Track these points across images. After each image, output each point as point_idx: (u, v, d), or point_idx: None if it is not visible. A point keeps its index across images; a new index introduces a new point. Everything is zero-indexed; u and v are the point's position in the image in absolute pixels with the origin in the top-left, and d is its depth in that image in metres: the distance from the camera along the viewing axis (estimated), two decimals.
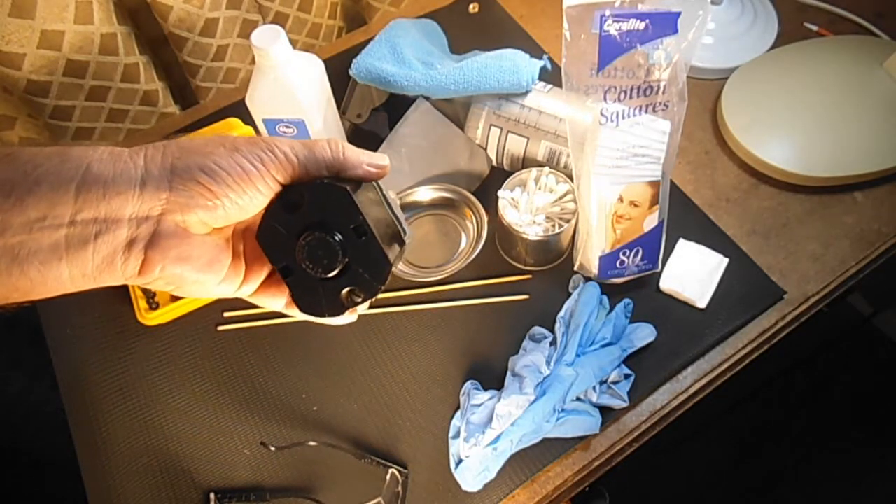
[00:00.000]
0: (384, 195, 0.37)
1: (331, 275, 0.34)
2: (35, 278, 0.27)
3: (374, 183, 0.37)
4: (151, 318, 0.64)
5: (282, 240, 0.34)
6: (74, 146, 0.29)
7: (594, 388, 0.58)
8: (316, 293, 0.35)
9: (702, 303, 0.62)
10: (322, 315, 0.36)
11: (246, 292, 0.36)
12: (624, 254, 0.61)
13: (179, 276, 0.31)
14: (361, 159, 0.35)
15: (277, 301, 0.37)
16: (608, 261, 0.62)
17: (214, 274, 0.33)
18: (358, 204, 0.33)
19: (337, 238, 0.33)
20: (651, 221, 0.61)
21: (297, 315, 0.37)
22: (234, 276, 0.35)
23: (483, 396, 0.58)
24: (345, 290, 0.35)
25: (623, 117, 0.57)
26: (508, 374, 0.59)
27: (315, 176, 0.33)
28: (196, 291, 0.33)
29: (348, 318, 0.37)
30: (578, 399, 0.58)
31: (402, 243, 0.37)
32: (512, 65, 0.66)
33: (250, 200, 0.31)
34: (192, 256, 0.31)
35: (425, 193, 0.70)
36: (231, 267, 0.34)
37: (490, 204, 0.67)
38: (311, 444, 0.57)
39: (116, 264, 0.29)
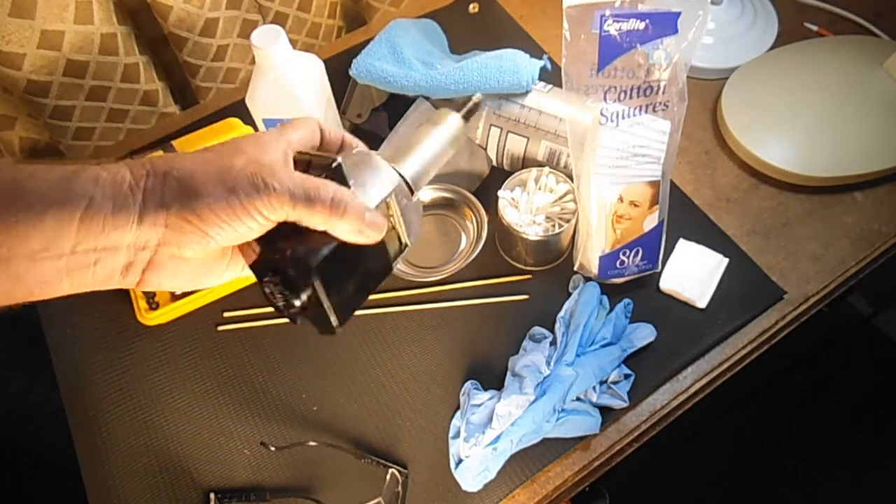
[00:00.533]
0: (396, 211, 0.38)
1: (293, 310, 0.35)
2: (37, 294, 0.30)
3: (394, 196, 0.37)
4: (151, 318, 0.64)
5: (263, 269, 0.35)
6: (80, 172, 0.30)
7: (594, 388, 0.58)
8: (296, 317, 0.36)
9: (702, 303, 0.62)
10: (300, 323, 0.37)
11: (230, 276, 0.38)
12: (624, 254, 0.61)
13: (173, 286, 0.34)
14: (356, 228, 0.34)
15: None
16: (608, 261, 0.62)
17: (212, 276, 0.35)
18: (315, 286, 0.33)
19: (290, 292, 0.34)
20: (651, 221, 0.61)
21: None
22: (236, 262, 0.37)
23: (483, 396, 0.58)
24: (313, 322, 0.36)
25: (623, 117, 0.57)
26: (508, 374, 0.59)
27: (305, 223, 0.34)
28: (197, 287, 0.36)
29: None
30: (578, 399, 0.58)
31: (365, 286, 0.38)
32: (512, 65, 0.66)
33: (243, 235, 0.33)
34: (187, 272, 0.34)
35: (425, 193, 0.70)
36: (234, 256, 0.36)
37: (490, 204, 0.67)
38: (311, 444, 0.57)
39: (114, 282, 0.32)
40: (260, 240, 0.34)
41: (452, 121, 0.44)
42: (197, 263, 0.34)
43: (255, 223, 0.32)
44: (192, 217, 0.31)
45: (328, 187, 0.33)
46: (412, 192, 0.40)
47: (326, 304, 0.34)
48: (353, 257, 0.36)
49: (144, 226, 0.30)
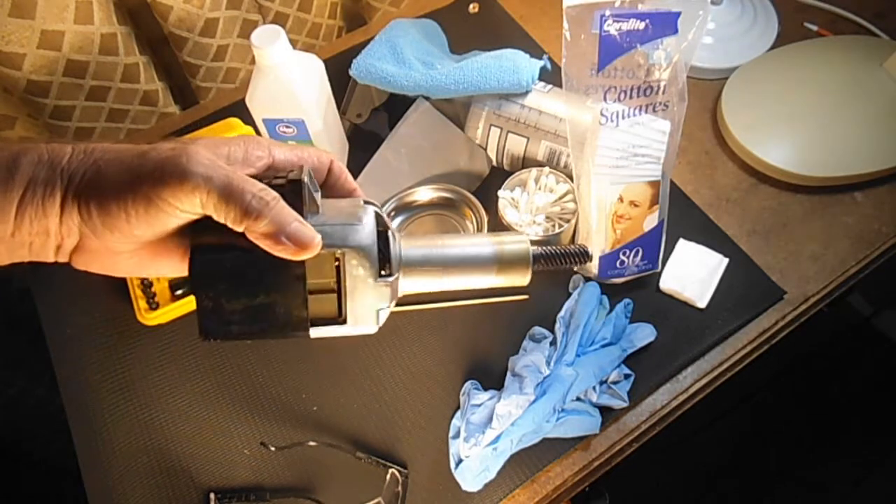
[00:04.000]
0: (345, 277, 0.32)
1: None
2: None
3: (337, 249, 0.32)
4: (151, 318, 0.64)
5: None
6: (26, 153, 0.29)
7: (594, 388, 0.58)
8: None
9: (702, 303, 0.62)
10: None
11: None
12: (624, 254, 0.61)
13: (118, 270, 0.33)
14: (278, 233, 0.30)
15: None
16: (608, 261, 0.62)
17: (156, 268, 0.33)
18: (193, 271, 0.31)
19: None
20: (651, 221, 0.61)
21: None
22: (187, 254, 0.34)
23: (483, 396, 0.58)
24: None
25: (623, 117, 0.57)
26: (508, 374, 0.59)
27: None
28: (148, 275, 0.36)
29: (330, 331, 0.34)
30: (578, 399, 0.58)
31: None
32: (512, 65, 0.66)
33: (161, 225, 0.30)
34: (118, 266, 0.32)
35: (425, 193, 0.70)
36: (185, 247, 0.33)
37: (490, 204, 0.67)
38: (311, 444, 0.57)
39: (49, 257, 0.31)
40: (191, 226, 0.31)
41: (514, 245, 0.37)
42: (134, 254, 0.32)
43: (165, 214, 0.29)
44: (98, 211, 0.29)
45: (255, 186, 0.30)
46: (388, 274, 0.33)
47: (198, 306, 0.31)
48: (262, 281, 0.31)
49: (65, 214, 0.29)
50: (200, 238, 0.31)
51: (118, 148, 0.30)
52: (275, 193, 0.30)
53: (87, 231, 0.30)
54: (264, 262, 0.31)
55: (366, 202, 0.35)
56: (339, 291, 0.33)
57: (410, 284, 0.35)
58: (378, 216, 0.34)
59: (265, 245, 0.30)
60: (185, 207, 0.29)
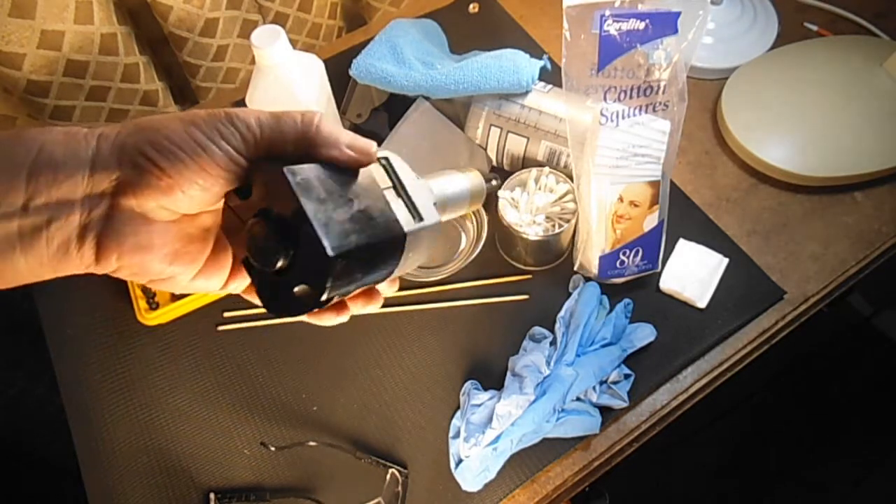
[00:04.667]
0: (396, 179, 0.32)
1: (275, 269, 0.28)
2: None
3: (382, 163, 0.32)
4: (151, 318, 0.64)
5: (239, 229, 0.30)
6: (29, 128, 0.27)
7: (594, 388, 0.58)
8: (276, 290, 0.30)
9: (702, 303, 0.62)
10: (286, 314, 0.30)
11: (236, 288, 0.34)
12: (624, 254, 0.61)
13: (141, 266, 0.29)
14: (340, 139, 0.30)
15: None
16: (608, 261, 0.62)
17: (185, 265, 0.30)
18: (293, 184, 0.27)
19: (275, 227, 0.28)
20: (651, 221, 0.61)
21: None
22: (216, 270, 0.32)
23: (483, 396, 0.58)
24: (298, 288, 0.29)
25: (623, 117, 0.57)
26: (508, 374, 0.59)
27: (279, 152, 0.29)
28: (171, 286, 0.31)
29: (338, 318, 0.33)
30: (578, 399, 0.58)
31: (391, 232, 0.30)
32: (512, 65, 0.66)
33: (210, 179, 0.28)
34: (153, 245, 0.28)
35: None
36: (211, 261, 0.31)
37: (490, 204, 0.67)
38: (311, 444, 0.57)
39: (72, 253, 0.27)
40: (234, 191, 0.29)
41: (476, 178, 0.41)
42: (164, 237, 0.29)
43: (220, 156, 0.28)
44: (149, 151, 0.27)
45: (296, 110, 0.30)
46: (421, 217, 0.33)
47: (312, 222, 0.27)
48: (350, 189, 0.30)
49: (97, 171, 0.26)
50: (267, 166, 0.29)
51: (147, 118, 0.29)
52: (312, 112, 0.30)
53: (125, 187, 0.27)
54: (338, 173, 0.30)
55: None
56: (402, 194, 0.32)
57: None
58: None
59: (333, 154, 0.30)
60: (236, 143, 0.28)
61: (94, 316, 0.68)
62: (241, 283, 0.34)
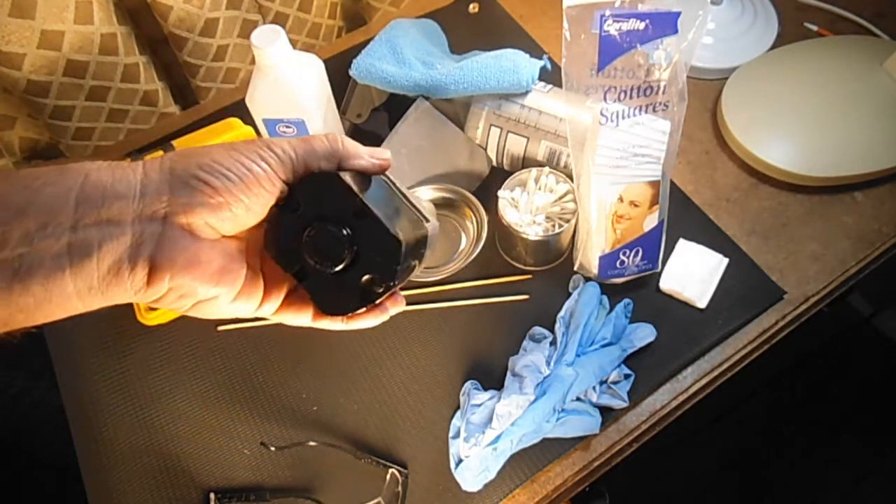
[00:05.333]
0: (397, 188, 0.36)
1: (341, 266, 0.32)
2: (38, 294, 0.26)
3: (382, 177, 0.36)
4: (151, 318, 0.64)
5: (290, 243, 0.32)
6: (72, 163, 0.28)
7: (594, 388, 0.58)
8: (335, 290, 0.33)
9: (702, 303, 0.62)
10: (346, 311, 0.34)
11: (268, 311, 0.35)
12: (624, 254, 0.61)
13: (190, 287, 0.30)
14: (361, 150, 0.34)
15: (304, 316, 0.36)
16: (608, 261, 0.62)
17: (228, 286, 0.32)
18: (351, 185, 0.31)
19: (338, 226, 0.31)
20: (651, 221, 0.61)
21: (328, 326, 0.36)
22: (251, 292, 0.34)
23: (483, 396, 0.58)
24: (364, 279, 0.33)
25: (623, 117, 0.57)
26: (508, 374, 0.59)
27: (313, 169, 0.33)
28: (212, 309, 0.32)
29: (381, 317, 0.36)
30: (578, 399, 0.58)
31: (420, 228, 0.35)
32: (512, 65, 0.66)
33: (254, 198, 0.30)
34: (201, 262, 0.30)
35: (425, 193, 0.70)
36: (248, 283, 0.33)
37: (490, 204, 0.67)
38: (311, 444, 0.57)
39: (123, 275, 0.28)
40: (280, 207, 0.32)
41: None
42: (211, 254, 0.30)
43: (264, 176, 0.30)
44: (198, 172, 0.29)
45: (319, 134, 0.33)
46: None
47: (413, 206, 0.34)
48: (391, 196, 0.35)
49: (148, 194, 0.28)
50: (313, 178, 0.33)
51: (185, 147, 0.33)
52: (334, 133, 0.34)
53: (176, 207, 0.28)
54: (368, 190, 0.33)
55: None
56: (409, 202, 0.36)
57: (423, 189, 0.43)
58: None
59: (360, 164, 0.34)
60: (281, 174, 0.31)
61: (94, 316, 0.67)
62: (273, 305, 0.36)
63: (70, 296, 0.27)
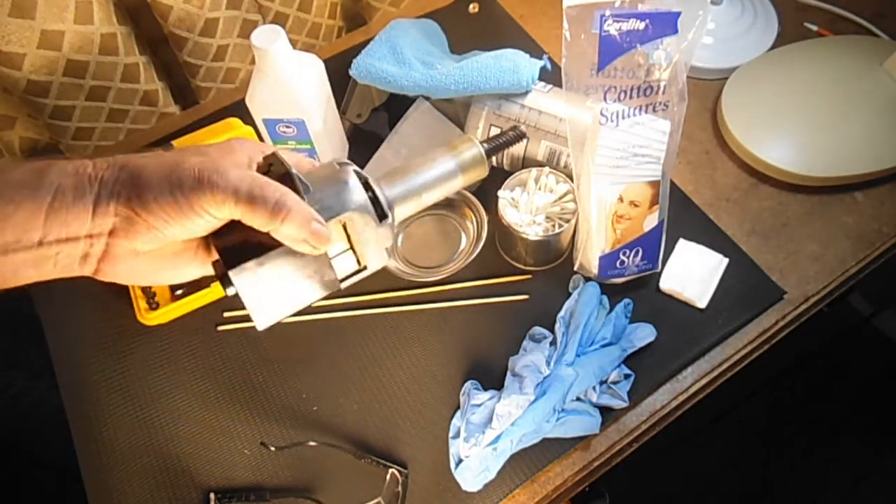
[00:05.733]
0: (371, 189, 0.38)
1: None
2: (7, 281, 0.32)
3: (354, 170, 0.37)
4: (151, 318, 0.64)
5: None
6: (52, 165, 0.32)
7: (594, 388, 0.58)
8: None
9: (702, 303, 0.62)
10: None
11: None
12: (624, 254, 0.61)
13: (133, 281, 0.35)
14: (300, 236, 0.34)
15: None
16: (608, 261, 0.62)
17: (176, 271, 0.36)
18: (236, 286, 0.35)
19: (223, 285, 0.35)
20: (651, 221, 0.61)
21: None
22: (202, 258, 0.37)
23: (483, 396, 0.58)
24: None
25: (623, 117, 0.57)
26: (508, 374, 0.59)
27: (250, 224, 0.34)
28: (163, 282, 0.37)
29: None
30: (578, 399, 0.58)
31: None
32: (512, 65, 0.66)
33: (191, 230, 0.33)
34: (142, 270, 0.35)
35: None
36: (199, 252, 0.37)
37: (490, 204, 0.67)
38: (311, 444, 0.57)
39: (75, 269, 0.33)
40: (215, 233, 0.35)
41: (469, 151, 0.42)
42: (156, 258, 0.35)
43: (200, 219, 0.33)
44: (139, 209, 0.32)
45: (274, 190, 0.33)
46: (384, 217, 0.38)
47: (248, 306, 0.36)
48: (294, 266, 0.36)
49: (97, 216, 0.31)
50: (232, 240, 0.35)
51: (139, 157, 0.33)
52: (294, 196, 0.34)
53: (119, 231, 0.32)
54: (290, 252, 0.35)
55: (339, 163, 0.38)
56: (353, 248, 0.38)
57: (401, 213, 0.41)
58: (356, 172, 0.38)
59: (294, 244, 0.34)
60: (217, 213, 0.33)
61: (93, 316, 0.68)
62: (200, 267, 0.39)
63: (31, 279, 0.33)
